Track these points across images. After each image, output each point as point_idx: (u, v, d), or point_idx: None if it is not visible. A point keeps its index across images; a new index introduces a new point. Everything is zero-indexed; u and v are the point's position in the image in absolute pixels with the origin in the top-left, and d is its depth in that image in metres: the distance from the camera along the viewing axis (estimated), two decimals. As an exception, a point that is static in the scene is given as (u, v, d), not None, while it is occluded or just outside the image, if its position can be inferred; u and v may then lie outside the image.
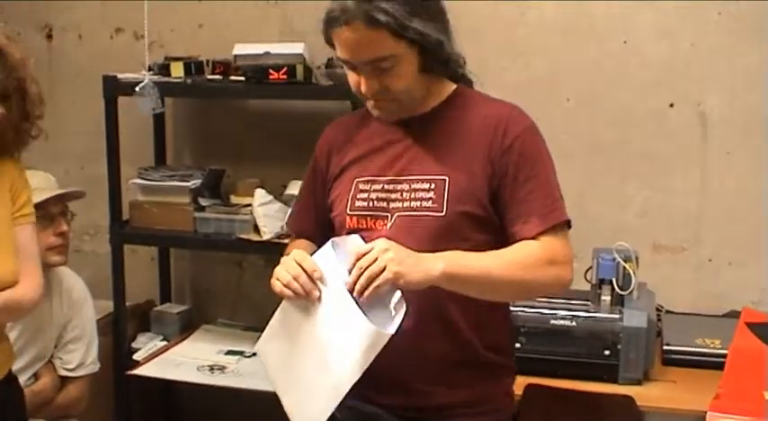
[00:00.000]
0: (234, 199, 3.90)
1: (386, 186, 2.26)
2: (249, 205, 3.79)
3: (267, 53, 3.69)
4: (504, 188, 2.20)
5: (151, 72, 3.83)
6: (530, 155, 2.21)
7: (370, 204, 2.27)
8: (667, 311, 3.57)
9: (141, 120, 4.01)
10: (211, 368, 3.82)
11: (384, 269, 2.01)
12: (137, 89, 3.64)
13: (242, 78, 3.71)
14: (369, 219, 2.27)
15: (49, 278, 3.22)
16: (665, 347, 3.25)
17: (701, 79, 3.67)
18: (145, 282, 4.29)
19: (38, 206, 2.92)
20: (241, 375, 3.77)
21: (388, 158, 2.29)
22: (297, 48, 3.69)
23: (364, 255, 2.05)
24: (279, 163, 4.05)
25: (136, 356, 3.93)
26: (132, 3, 3.88)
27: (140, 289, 4.22)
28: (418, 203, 2.21)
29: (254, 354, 3.88)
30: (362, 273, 2.03)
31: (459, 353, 2.26)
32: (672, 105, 3.67)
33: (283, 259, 2.21)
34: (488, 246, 2.19)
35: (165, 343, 4.06)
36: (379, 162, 2.30)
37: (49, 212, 3.24)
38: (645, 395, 3.02)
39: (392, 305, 2.07)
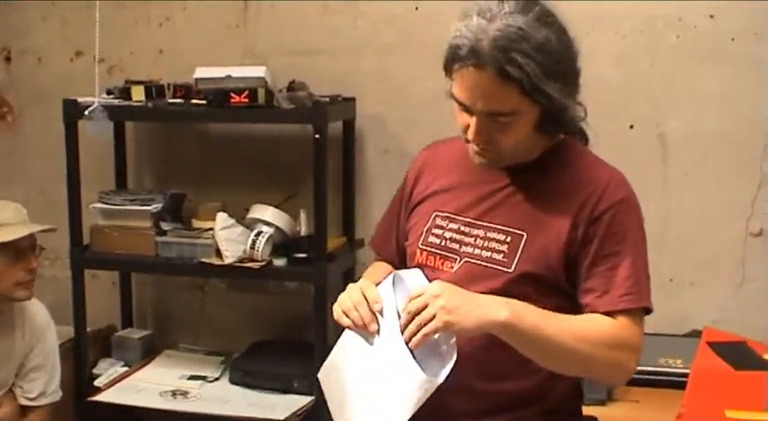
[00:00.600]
0: (195, 223, 3.89)
1: (462, 227, 2.15)
2: (211, 229, 3.78)
3: (228, 76, 3.68)
4: (584, 257, 2.05)
5: (111, 96, 3.82)
6: (619, 229, 2.06)
7: (443, 243, 2.16)
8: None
9: (102, 144, 3.99)
10: (174, 393, 3.79)
11: (434, 317, 1.90)
12: (86, 112, 3.61)
13: (203, 102, 3.70)
14: (437, 257, 2.17)
15: (12, 308, 3.20)
16: (628, 367, 3.25)
17: (659, 101, 3.70)
18: (106, 308, 4.25)
19: (9, 241, 2.90)
20: (204, 400, 3.75)
21: (472, 198, 2.17)
22: (258, 71, 3.69)
23: (416, 298, 1.94)
24: (241, 186, 4.05)
25: (97, 382, 3.90)
26: (92, 26, 3.86)
27: (101, 314, 4.19)
28: (489, 254, 2.10)
29: (217, 379, 3.88)
30: (413, 319, 1.93)
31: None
32: (632, 127, 3.70)
33: (350, 285, 2.12)
34: (562, 312, 2.04)
35: (126, 368, 4.02)
36: (462, 199, 2.18)
37: (20, 247, 3.21)
38: (609, 415, 3.02)
39: (443, 351, 1.98)
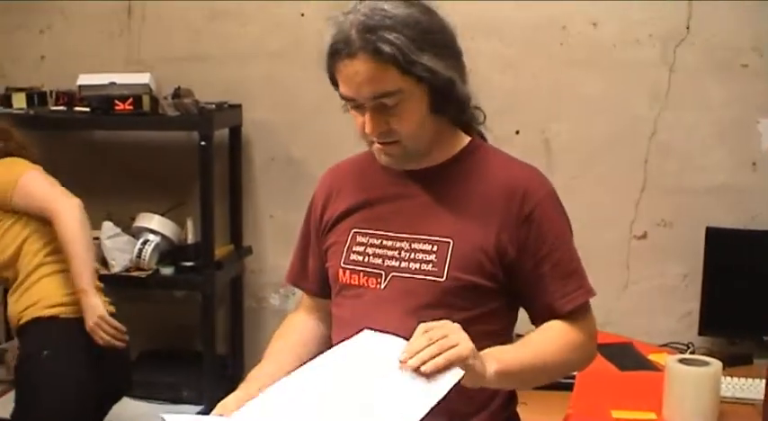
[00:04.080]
0: (81, 232, 3.82)
1: (384, 242, 2.07)
2: (97, 238, 3.72)
3: (113, 83, 3.64)
4: (525, 262, 2.03)
5: (-7, 103, 3.74)
6: (550, 226, 2.04)
7: (365, 259, 2.08)
8: (517, 335, 3.61)
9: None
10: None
11: (455, 345, 1.78)
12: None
13: (87, 109, 3.64)
14: (361, 275, 2.08)
15: None
16: (517, 370, 3.28)
17: (544, 107, 3.76)
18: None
19: None
20: None
21: (389, 212, 2.09)
22: (143, 78, 3.65)
23: (432, 328, 1.81)
24: (126, 195, 3.99)
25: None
26: (-28, 32, 3.79)
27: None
28: (417, 265, 2.02)
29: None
30: (432, 344, 1.78)
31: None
32: (518, 132, 3.74)
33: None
34: (497, 314, 2.06)
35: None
36: (380, 215, 2.10)
37: None
38: (497, 418, 3.04)
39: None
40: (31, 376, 3.11)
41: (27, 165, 3.26)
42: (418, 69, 1.93)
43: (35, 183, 3.23)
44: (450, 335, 1.80)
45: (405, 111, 1.96)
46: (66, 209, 3.16)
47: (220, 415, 2.00)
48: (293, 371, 2.02)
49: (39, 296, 3.18)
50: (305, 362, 2.04)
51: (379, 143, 2.02)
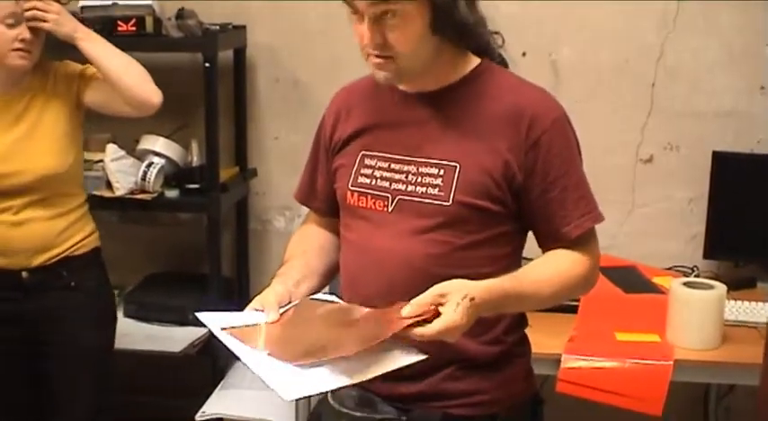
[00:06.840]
0: (85, 155, 3.78)
1: (392, 165, 2.07)
2: (101, 161, 3.71)
3: (115, 4, 3.60)
4: (532, 186, 2.02)
5: (-7, 25, 3.69)
6: (559, 151, 2.03)
7: (373, 182, 2.09)
8: (523, 258, 3.61)
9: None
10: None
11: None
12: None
13: (89, 30, 3.61)
14: (369, 197, 2.09)
15: None
16: (521, 293, 3.29)
17: (551, 29, 3.72)
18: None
19: None
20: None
21: (398, 135, 2.09)
22: (146, -2, 3.62)
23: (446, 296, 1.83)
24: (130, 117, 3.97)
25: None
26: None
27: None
28: (424, 189, 2.03)
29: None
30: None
31: (448, 355, 2.05)
32: (524, 54, 3.70)
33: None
34: (505, 238, 2.07)
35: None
36: (388, 137, 2.10)
37: None
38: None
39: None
40: (113, 306, 3.26)
41: None
42: None
43: None
44: (460, 306, 1.82)
45: (403, 26, 1.94)
46: None
47: (256, 309, 2.02)
48: (321, 273, 2.21)
49: (93, 226, 3.26)
50: (329, 266, 2.24)
51: (374, 57, 1.99)
